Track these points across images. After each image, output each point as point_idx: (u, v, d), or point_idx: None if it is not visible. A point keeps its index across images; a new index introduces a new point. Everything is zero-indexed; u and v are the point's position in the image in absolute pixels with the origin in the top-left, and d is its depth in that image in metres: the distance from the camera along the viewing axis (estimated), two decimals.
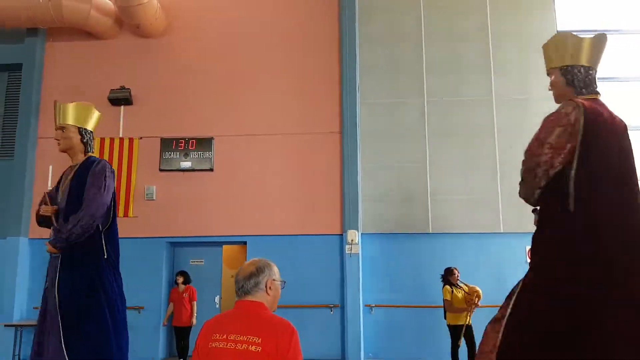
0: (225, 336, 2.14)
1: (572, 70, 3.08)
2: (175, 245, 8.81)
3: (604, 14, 9.18)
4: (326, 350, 8.05)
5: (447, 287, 6.78)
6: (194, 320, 7.72)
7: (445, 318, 6.89)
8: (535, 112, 8.50)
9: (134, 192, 8.62)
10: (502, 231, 8.32)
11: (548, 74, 3.23)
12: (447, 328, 6.88)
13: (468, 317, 6.57)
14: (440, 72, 8.83)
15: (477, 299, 6.52)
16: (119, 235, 8.76)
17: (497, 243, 8.29)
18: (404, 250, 8.36)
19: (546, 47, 3.22)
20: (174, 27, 9.15)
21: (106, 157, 8.69)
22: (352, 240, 8.15)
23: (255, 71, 8.91)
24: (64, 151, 3.90)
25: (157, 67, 9.03)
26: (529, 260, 7.89)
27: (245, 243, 8.55)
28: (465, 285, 6.79)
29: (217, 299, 8.51)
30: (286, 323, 2.22)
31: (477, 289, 6.63)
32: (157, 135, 8.76)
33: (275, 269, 2.40)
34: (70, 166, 3.89)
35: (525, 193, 2.96)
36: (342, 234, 8.30)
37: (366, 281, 8.26)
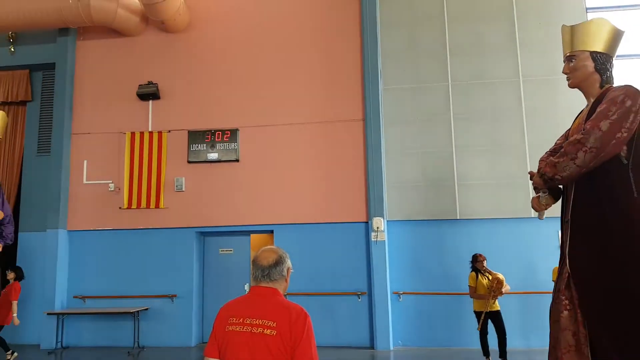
0: (241, 320, 2.22)
1: (605, 58, 3.10)
2: (205, 235, 9.02)
3: None
4: (355, 337, 8.10)
5: (473, 273, 6.70)
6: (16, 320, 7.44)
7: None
8: (564, 92, 8.31)
9: (164, 184, 8.86)
10: (532, 216, 8.11)
11: (571, 56, 3.17)
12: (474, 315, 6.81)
13: (489, 304, 6.48)
14: (464, 55, 8.65)
15: (497, 285, 6.42)
16: (152, 226, 9.10)
17: (528, 228, 8.10)
18: (431, 237, 8.28)
19: (580, 29, 3.18)
20: (197, 21, 9.29)
21: (137, 150, 8.96)
22: (377, 228, 8.13)
23: (277, 61, 8.97)
24: None
25: (183, 61, 9.21)
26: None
27: (272, 232, 8.67)
28: (489, 272, 6.69)
29: (246, 287, 8.67)
30: (299, 308, 2.28)
31: (499, 276, 6.52)
32: (184, 128, 8.96)
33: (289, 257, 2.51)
34: None
35: (575, 172, 2.91)
36: (367, 222, 8.30)
37: (393, 268, 8.25)
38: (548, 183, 3.11)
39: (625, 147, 2.87)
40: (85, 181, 9.08)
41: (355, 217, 8.41)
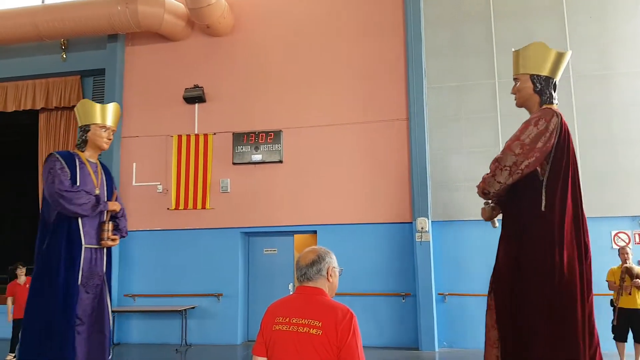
0: (287, 319, 2.25)
1: (544, 80, 3.42)
2: (250, 235, 9.15)
3: None
4: (400, 338, 8.06)
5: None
6: None
7: None
8: (617, 88, 8.03)
9: (210, 185, 9.04)
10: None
11: (515, 79, 3.53)
12: None
13: None
14: (511, 51, 8.42)
15: None
16: (199, 227, 9.25)
17: None
18: (477, 237, 8.12)
19: (521, 53, 3.49)
20: (241, 24, 9.42)
21: (184, 153, 9.17)
22: (422, 228, 8.06)
23: (320, 62, 9.00)
24: None
25: (227, 64, 9.37)
26: (614, 246, 7.58)
27: (315, 232, 8.71)
28: None
29: (290, 286, 8.75)
30: (345, 308, 2.27)
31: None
32: (229, 130, 9.11)
33: (334, 256, 2.48)
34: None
35: (498, 189, 3.28)
36: (412, 222, 8.24)
37: (438, 269, 8.15)
38: (484, 197, 3.48)
39: (540, 166, 3.19)
40: (134, 183, 9.35)
41: (399, 217, 8.35)
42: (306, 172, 8.74)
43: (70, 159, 4.18)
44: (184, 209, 9.01)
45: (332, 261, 2.44)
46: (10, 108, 10.26)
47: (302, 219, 8.69)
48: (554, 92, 3.41)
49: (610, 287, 6.44)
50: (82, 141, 4.32)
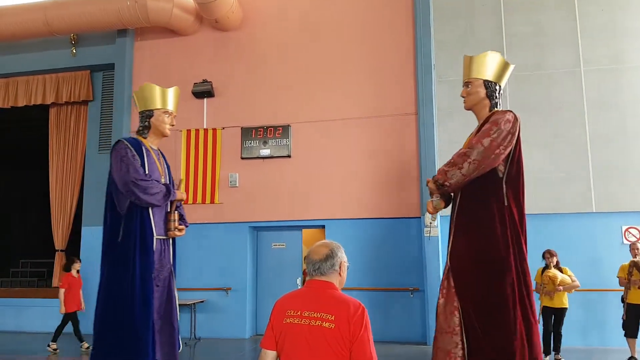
0: (299, 312, 2.25)
1: (495, 87, 3.69)
2: (258, 229, 9.17)
3: None
4: (409, 333, 8.05)
5: (540, 269, 6.70)
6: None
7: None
8: (629, 81, 7.94)
9: (219, 180, 9.07)
10: (594, 211, 7.82)
11: (467, 82, 3.75)
12: None
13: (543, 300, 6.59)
14: (521, 44, 8.38)
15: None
16: (208, 221, 9.29)
17: (589, 224, 7.80)
18: None
19: (475, 59, 3.74)
20: (250, 19, 9.42)
21: (192, 147, 9.21)
22: (430, 223, 8.03)
23: (328, 56, 8.97)
24: None
25: (236, 59, 9.37)
26: (625, 242, 7.58)
27: (323, 227, 8.71)
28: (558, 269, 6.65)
29: (298, 281, 8.77)
30: (357, 302, 2.29)
31: (549, 274, 6.54)
32: (237, 125, 9.12)
33: (344, 251, 2.50)
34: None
35: (460, 181, 3.49)
36: (420, 217, 8.22)
37: None
38: (440, 188, 3.66)
39: (502, 163, 3.47)
40: None
41: (407, 212, 8.33)
42: (314, 166, 8.74)
43: (137, 146, 4.00)
44: (192, 203, 9.05)
45: (344, 256, 2.46)
46: (21, 103, 10.35)
47: (310, 214, 8.69)
48: (500, 98, 3.74)
49: (620, 283, 6.42)
50: (144, 127, 4.13)
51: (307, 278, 2.40)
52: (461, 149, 3.56)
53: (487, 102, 3.72)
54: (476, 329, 3.37)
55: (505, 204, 3.47)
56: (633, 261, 6.22)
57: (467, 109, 3.87)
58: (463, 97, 3.83)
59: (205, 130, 9.22)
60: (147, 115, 4.15)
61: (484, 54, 3.78)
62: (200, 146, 9.18)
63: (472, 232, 3.53)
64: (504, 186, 3.49)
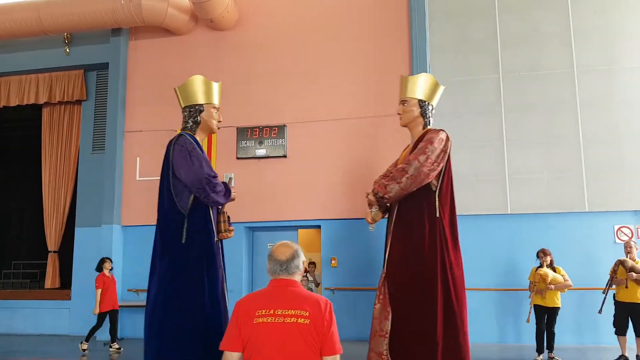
0: (271, 311, 2.28)
1: (427, 106, 4.11)
2: (254, 229, 9.16)
3: None
4: None
5: (534, 268, 6.77)
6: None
7: None
8: (621, 83, 8.04)
9: None
10: (587, 210, 7.90)
11: (403, 100, 4.13)
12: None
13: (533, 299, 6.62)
14: (515, 45, 8.45)
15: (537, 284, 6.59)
16: None
17: (583, 223, 7.89)
18: (481, 232, 8.15)
19: (411, 80, 4.13)
20: (245, 19, 9.41)
21: None
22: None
23: (324, 57, 8.99)
24: None
25: (231, 59, 9.35)
26: (617, 241, 7.68)
27: (319, 227, 8.72)
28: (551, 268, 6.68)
29: None
30: (324, 298, 2.39)
31: (541, 272, 6.56)
32: (233, 125, 9.08)
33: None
34: None
35: (398, 194, 3.81)
36: None
37: None
38: (379, 201, 3.98)
39: (435, 178, 3.84)
40: (138, 178, 9.36)
41: None
42: (310, 166, 8.74)
43: (196, 141, 3.78)
44: None
45: (303, 255, 2.56)
46: (14, 102, 10.26)
47: (306, 214, 8.69)
48: (432, 117, 4.14)
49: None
50: (194, 123, 3.88)
51: (271, 277, 2.44)
52: (400, 165, 3.91)
53: (421, 120, 4.10)
54: (404, 332, 3.68)
55: (437, 215, 3.81)
56: (619, 260, 6.30)
57: (403, 125, 4.21)
58: (399, 114, 4.18)
59: None
60: (197, 111, 3.92)
61: (419, 75, 4.14)
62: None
63: (406, 241, 3.84)
64: (437, 199, 3.85)
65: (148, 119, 9.47)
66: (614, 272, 6.32)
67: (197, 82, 4.02)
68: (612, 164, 7.92)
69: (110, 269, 8.08)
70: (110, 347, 7.80)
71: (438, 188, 3.88)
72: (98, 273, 7.95)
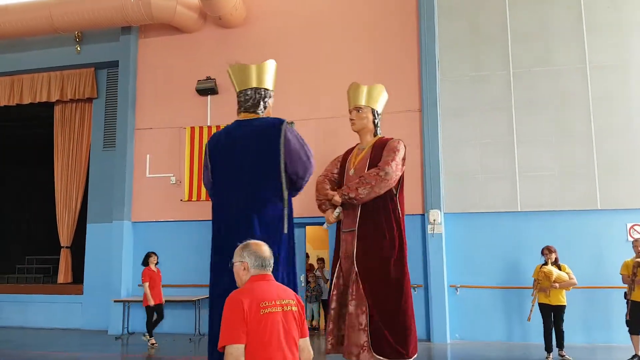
0: (274, 302, 2.52)
1: (378, 116, 4.79)
2: None
3: None
4: None
5: (538, 265, 6.66)
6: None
7: None
8: (634, 78, 7.90)
9: None
10: (599, 208, 7.78)
11: (358, 107, 4.75)
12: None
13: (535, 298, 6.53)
14: (526, 41, 8.33)
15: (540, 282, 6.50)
16: (211, 218, 9.24)
17: (593, 221, 7.77)
18: (491, 229, 8.09)
19: (366, 89, 4.74)
20: (253, 16, 9.41)
21: (197, 145, 9.21)
22: (434, 220, 8.03)
23: (332, 53, 8.96)
24: None
25: (239, 56, 9.26)
26: (630, 239, 7.58)
27: None
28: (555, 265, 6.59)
29: (302, 277, 8.78)
30: (292, 290, 2.80)
31: (545, 269, 6.46)
32: None
33: None
34: None
35: (369, 196, 4.31)
36: (424, 214, 8.20)
37: (451, 261, 8.12)
38: (347, 202, 4.40)
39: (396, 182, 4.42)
40: (148, 175, 9.43)
41: (411, 209, 8.27)
42: (318, 164, 8.63)
43: None
44: (196, 200, 9.07)
45: None
46: (26, 100, 10.40)
47: (313, 211, 8.61)
48: (379, 126, 4.79)
49: (623, 280, 6.38)
50: (265, 107, 3.66)
51: (256, 272, 2.57)
52: (373, 170, 4.36)
53: (372, 127, 4.64)
54: (378, 323, 4.12)
55: (399, 215, 4.39)
56: (637, 261, 6.18)
57: (356, 130, 4.70)
58: (352, 119, 4.65)
59: (209, 128, 9.22)
60: (268, 95, 3.72)
61: (375, 85, 4.60)
62: (204, 143, 9.19)
63: (370, 238, 4.28)
64: (397, 200, 4.42)
65: (158, 116, 9.54)
66: (633, 274, 6.20)
67: (274, 68, 3.85)
68: (624, 161, 7.79)
69: (156, 263, 8.14)
70: (148, 340, 7.85)
71: (397, 190, 4.46)
72: (143, 267, 8.05)
